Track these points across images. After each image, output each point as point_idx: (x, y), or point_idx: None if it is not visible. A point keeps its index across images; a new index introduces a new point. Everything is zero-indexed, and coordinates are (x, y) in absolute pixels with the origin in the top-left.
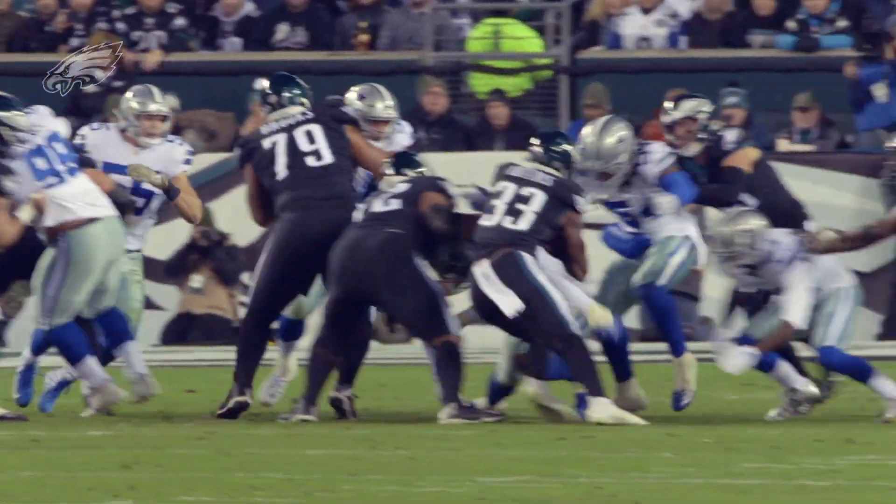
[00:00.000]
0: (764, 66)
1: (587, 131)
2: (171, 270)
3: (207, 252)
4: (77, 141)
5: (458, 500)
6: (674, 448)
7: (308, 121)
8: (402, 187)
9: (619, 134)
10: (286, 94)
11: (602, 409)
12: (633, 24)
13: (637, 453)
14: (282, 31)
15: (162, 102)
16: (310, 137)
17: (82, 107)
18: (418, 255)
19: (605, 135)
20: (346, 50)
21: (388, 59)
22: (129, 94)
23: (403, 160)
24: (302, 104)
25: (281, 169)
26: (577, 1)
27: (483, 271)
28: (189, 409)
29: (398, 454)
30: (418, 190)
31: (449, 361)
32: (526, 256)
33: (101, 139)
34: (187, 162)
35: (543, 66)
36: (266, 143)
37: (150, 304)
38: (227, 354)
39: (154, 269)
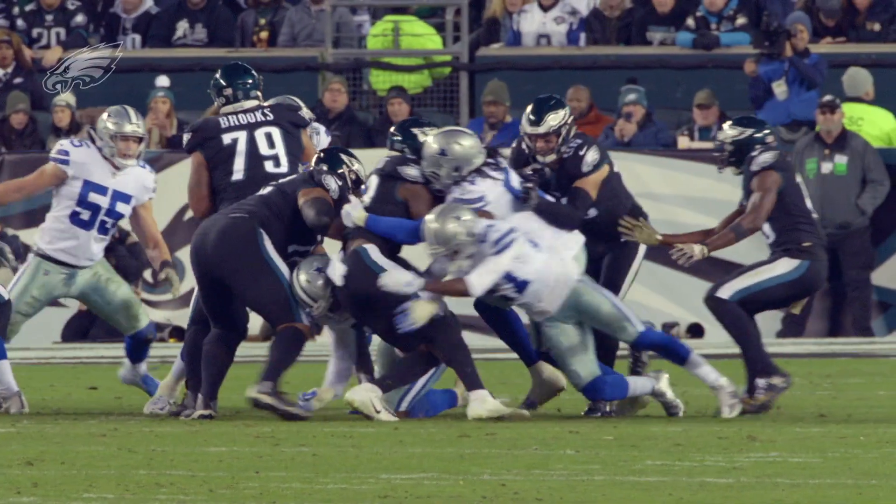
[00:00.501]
0: (663, 64)
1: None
2: None
3: (109, 249)
4: (55, 155)
5: (362, 496)
6: (576, 445)
7: (268, 122)
8: (286, 180)
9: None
10: (240, 85)
11: (479, 406)
12: (532, 22)
13: (539, 450)
14: (181, 27)
15: (137, 123)
16: (269, 141)
17: None
18: (270, 241)
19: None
20: (246, 47)
21: (287, 55)
22: (104, 115)
23: (329, 158)
24: (257, 97)
25: (239, 170)
26: None
27: (340, 255)
28: (92, 406)
29: (301, 451)
30: (297, 184)
31: (285, 343)
32: (370, 248)
33: (84, 157)
34: (154, 190)
35: (443, 63)
36: (226, 139)
37: (53, 301)
38: None
39: None
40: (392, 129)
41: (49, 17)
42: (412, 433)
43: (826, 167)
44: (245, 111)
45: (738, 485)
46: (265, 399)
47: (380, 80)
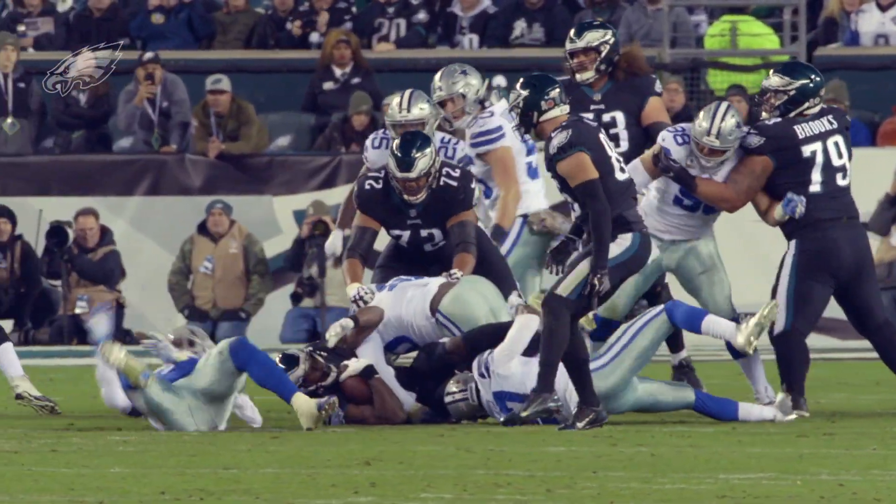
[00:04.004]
0: None
1: None
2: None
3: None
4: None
5: (700, 497)
6: None
7: (835, 131)
8: None
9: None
10: (816, 82)
11: None
12: (870, 21)
13: (878, 450)
14: (519, 27)
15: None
16: (838, 151)
17: (319, 103)
18: None
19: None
20: None
21: None
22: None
23: None
24: (821, 97)
25: (815, 183)
26: None
27: None
28: None
29: (639, 451)
30: None
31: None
32: None
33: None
34: None
35: (780, 62)
36: (805, 151)
37: None
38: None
39: None
40: None
41: (390, 10)
42: (750, 433)
43: None
44: (815, 116)
45: None
46: None
47: (718, 80)
